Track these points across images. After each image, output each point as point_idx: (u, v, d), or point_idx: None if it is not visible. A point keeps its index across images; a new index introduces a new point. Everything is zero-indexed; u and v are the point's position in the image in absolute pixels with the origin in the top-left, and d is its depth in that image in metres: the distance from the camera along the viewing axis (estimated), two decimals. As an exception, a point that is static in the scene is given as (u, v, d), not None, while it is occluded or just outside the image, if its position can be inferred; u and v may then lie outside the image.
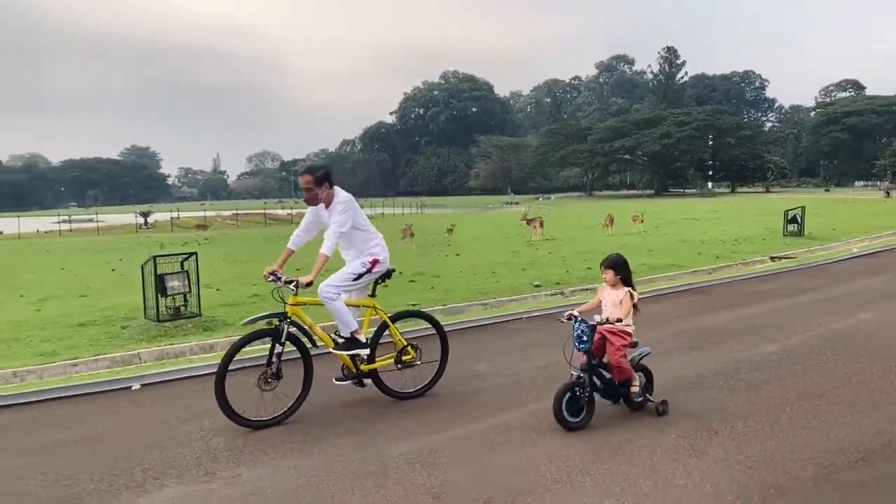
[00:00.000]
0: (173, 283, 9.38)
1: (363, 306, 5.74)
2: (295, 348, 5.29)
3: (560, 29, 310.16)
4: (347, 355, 5.48)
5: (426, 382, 5.88)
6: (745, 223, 27.37)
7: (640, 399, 5.13)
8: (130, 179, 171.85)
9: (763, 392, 5.60)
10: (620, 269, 5.13)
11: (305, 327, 5.38)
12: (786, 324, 8.42)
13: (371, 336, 5.63)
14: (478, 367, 6.81)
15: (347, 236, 5.55)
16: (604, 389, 4.93)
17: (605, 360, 4.98)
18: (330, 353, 5.52)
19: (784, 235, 19.97)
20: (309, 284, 5.15)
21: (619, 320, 4.90)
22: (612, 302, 5.08)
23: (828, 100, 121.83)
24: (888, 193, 52.53)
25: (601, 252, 17.06)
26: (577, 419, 4.77)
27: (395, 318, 5.80)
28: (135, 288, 13.20)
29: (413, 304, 10.54)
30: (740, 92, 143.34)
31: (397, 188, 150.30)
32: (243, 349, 5.10)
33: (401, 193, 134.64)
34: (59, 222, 53.98)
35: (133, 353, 7.94)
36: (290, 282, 5.18)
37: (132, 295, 12.00)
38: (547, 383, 5.06)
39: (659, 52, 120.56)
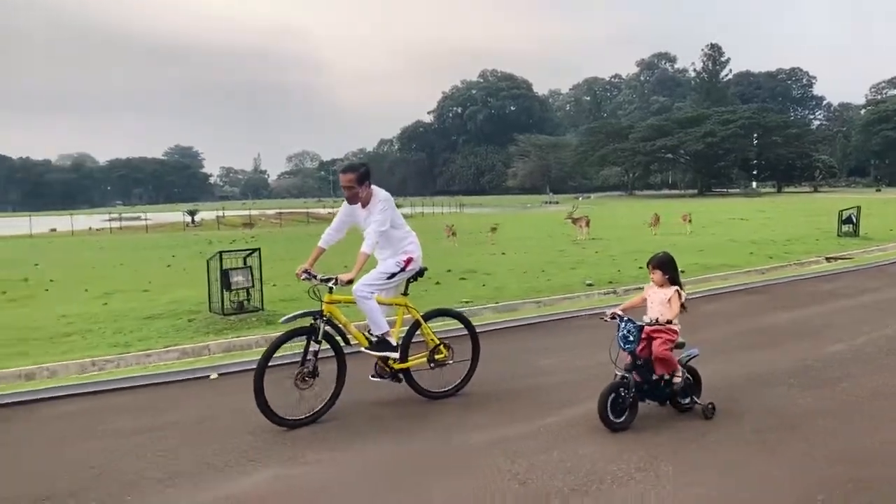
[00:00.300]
0: (237, 279, 9.69)
1: (395, 305, 5.74)
2: (329, 346, 5.30)
3: (600, 26, 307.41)
4: (377, 356, 5.51)
5: (458, 382, 5.86)
6: (795, 223, 26.88)
7: (686, 401, 5.04)
8: (174, 178, 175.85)
9: (837, 390, 5.59)
10: (668, 269, 5.05)
11: (340, 326, 5.39)
12: (850, 324, 8.33)
13: (403, 336, 5.63)
14: (539, 363, 6.90)
15: (384, 235, 5.53)
16: (649, 391, 4.88)
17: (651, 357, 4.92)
18: (361, 351, 5.52)
19: (838, 236, 19.59)
20: (350, 282, 5.17)
21: (669, 322, 4.82)
22: (659, 301, 4.99)
23: (879, 97, 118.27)
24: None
25: (650, 251, 16.89)
26: (621, 420, 4.74)
27: (427, 317, 5.77)
28: (194, 283, 13.66)
29: (466, 301, 10.70)
30: (786, 89, 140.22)
31: (434, 187, 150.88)
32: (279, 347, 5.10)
33: (438, 192, 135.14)
34: (108, 220, 55.51)
35: (203, 345, 8.24)
36: (328, 279, 5.19)
37: (192, 289, 12.40)
38: (609, 380, 5.10)
39: (702, 50, 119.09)
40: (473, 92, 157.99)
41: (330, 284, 5.18)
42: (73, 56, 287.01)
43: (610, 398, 4.71)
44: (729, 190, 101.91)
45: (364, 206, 5.57)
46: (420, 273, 5.80)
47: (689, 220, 23.74)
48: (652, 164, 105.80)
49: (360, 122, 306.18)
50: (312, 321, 5.20)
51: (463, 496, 3.87)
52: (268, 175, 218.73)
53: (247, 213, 55.47)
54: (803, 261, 15.06)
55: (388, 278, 5.54)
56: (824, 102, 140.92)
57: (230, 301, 9.65)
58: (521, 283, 12.52)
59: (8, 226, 45.79)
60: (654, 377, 4.87)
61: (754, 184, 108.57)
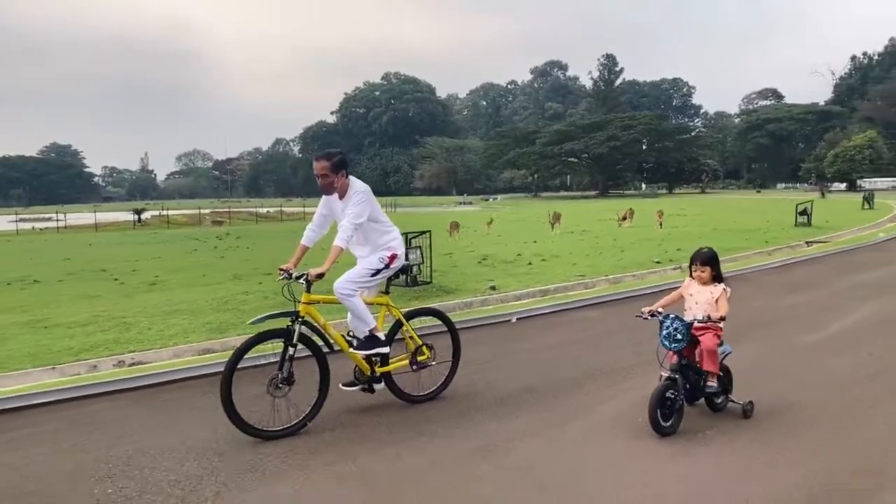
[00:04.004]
0: (413, 256, 11.31)
1: (377, 304, 5.47)
2: (308, 350, 4.99)
3: (493, 32, 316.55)
4: (367, 355, 5.19)
5: (440, 384, 5.69)
6: (735, 218, 30.60)
7: (720, 400, 4.95)
8: (56, 178, 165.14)
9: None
10: (716, 266, 4.95)
11: (319, 327, 5.06)
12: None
13: (386, 335, 5.36)
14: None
15: (363, 230, 5.23)
16: (688, 392, 4.77)
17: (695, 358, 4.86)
18: (344, 354, 5.24)
19: (795, 226, 23.15)
20: (321, 276, 4.85)
21: (723, 318, 4.74)
22: (705, 300, 4.86)
23: (750, 107, 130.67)
24: (823, 194, 58.11)
25: (658, 239, 19.76)
26: (669, 423, 4.56)
27: (408, 316, 5.59)
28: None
29: (581, 275, 12.76)
30: (669, 98, 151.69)
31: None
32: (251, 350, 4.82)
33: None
34: (17, 221, 52.53)
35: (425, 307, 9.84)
36: (300, 276, 4.87)
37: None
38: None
39: (598, 59, 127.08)
40: (377, 94, 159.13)
41: (301, 280, 4.88)
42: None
43: (660, 402, 4.54)
44: (624, 192, 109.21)
45: (341, 197, 5.27)
46: (403, 270, 5.62)
47: (662, 215, 26.73)
48: (556, 167, 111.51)
49: (254, 122, 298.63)
50: (288, 323, 4.87)
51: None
52: (155, 175, 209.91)
53: (177, 212, 54.41)
54: (792, 244, 18.20)
55: (373, 275, 5.26)
56: (702, 111, 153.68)
57: (407, 276, 11.26)
58: (597, 262, 14.69)
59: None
60: (695, 377, 4.80)
61: (643, 185, 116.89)
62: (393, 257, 5.33)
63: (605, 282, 12.50)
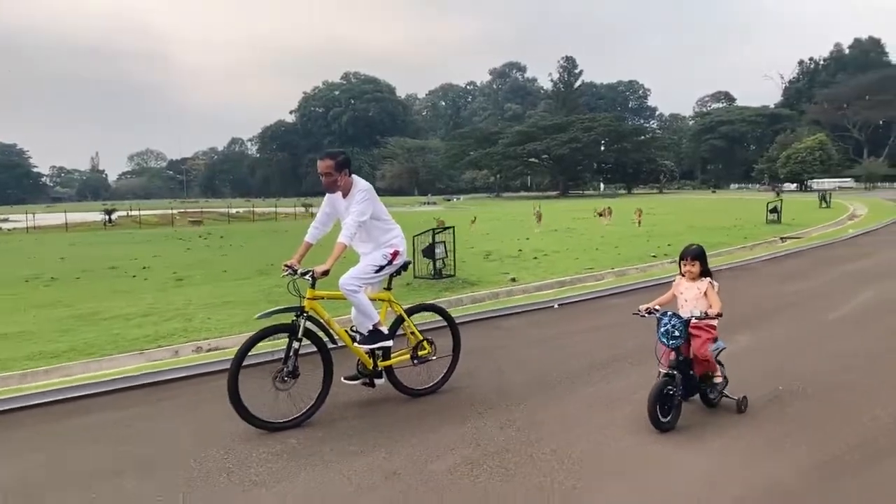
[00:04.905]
0: (439, 250, 11.98)
1: (379, 300, 5.60)
2: (312, 345, 5.13)
3: (452, 34, 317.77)
4: (370, 349, 5.34)
5: (440, 378, 5.84)
6: (699, 217, 31.99)
7: (714, 395, 5.04)
8: (2, 178, 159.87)
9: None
10: (704, 260, 5.03)
11: (323, 322, 5.19)
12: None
13: (388, 330, 5.50)
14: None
15: (366, 227, 5.38)
16: (685, 388, 4.83)
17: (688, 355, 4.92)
18: (347, 349, 5.36)
19: (767, 223, 24.47)
20: (325, 273, 4.98)
21: (720, 315, 4.78)
22: (693, 296, 4.95)
23: (704, 109, 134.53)
24: (778, 194, 60.48)
25: (645, 236, 20.73)
26: (667, 419, 4.67)
27: (410, 312, 5.73)
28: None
29: (590, 268, 13.56)
30: (625, 100, 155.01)
31: (300, 188, 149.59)
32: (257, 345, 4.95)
33: (303, 193, 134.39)
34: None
35: (455, 298, 10.49)
36: (305, 272, 5.02)
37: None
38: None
39: (558, 61, 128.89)
40: (336, 93, 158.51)
41: (307, 277, 5.03)
42: None
43: (659, 397, 4.65)
44: (584, 192, 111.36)
45: (344, 195, 5.42)
46: (404, 267, 5.69)
47: (640, 214, 27.81)
48: (518, 168, 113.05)
49: (209, 122, 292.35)
50: (294, 318, 5.03)
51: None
52: (106, 175, 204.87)
53: (147, 213, 53.70)
54: (769, 240, 19.38)
55: (376, 272, 5.42)
56: (657, 112, 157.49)
57: (435, 269, 11.92)
58: (596, 258, 15.52)
59: None
60: (691, 373, 4.88)
61: (602, 186, 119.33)
62: (395, 254, 5.47)
63: (611, 274, 13.31)
